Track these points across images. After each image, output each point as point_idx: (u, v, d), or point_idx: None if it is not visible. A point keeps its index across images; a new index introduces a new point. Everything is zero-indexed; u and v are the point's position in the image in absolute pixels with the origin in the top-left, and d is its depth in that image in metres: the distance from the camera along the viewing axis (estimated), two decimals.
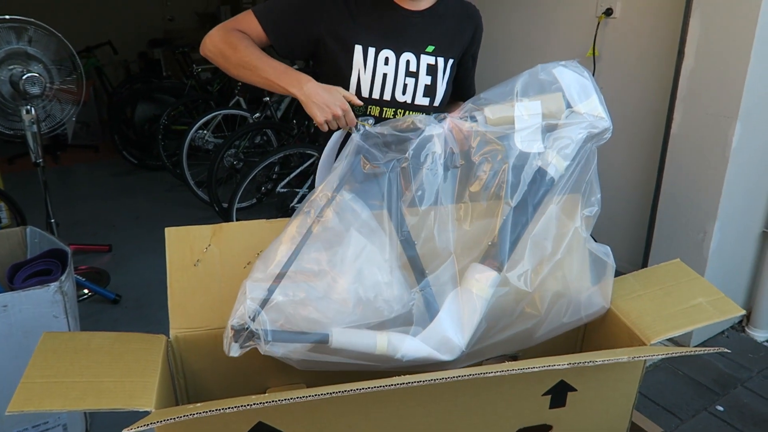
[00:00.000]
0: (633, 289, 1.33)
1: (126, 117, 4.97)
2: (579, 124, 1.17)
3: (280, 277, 1.08)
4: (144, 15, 6.59)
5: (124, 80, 5.87)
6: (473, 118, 1.18)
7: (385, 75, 1.40)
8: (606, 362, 1.07)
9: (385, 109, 1.43)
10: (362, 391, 0.93)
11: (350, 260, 1.10)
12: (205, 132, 4.17)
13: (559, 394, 1.19)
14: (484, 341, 1.18)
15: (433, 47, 1.42)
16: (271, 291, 1.07)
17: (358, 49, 1.38)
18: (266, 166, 3.42)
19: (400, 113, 1.44)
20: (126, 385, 1.05)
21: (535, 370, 1.04)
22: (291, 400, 0.94)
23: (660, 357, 1.15)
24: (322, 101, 1.27)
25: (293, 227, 1.14)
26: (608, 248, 1.24)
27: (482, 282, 1.13)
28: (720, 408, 2.11)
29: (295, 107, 4.56)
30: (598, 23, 2.76)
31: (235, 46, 1.33)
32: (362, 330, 1.07)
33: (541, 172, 1.17)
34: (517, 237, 1.16)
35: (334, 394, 0.94)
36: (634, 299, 1.30)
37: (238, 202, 3.29)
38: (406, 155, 1.16)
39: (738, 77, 2.05)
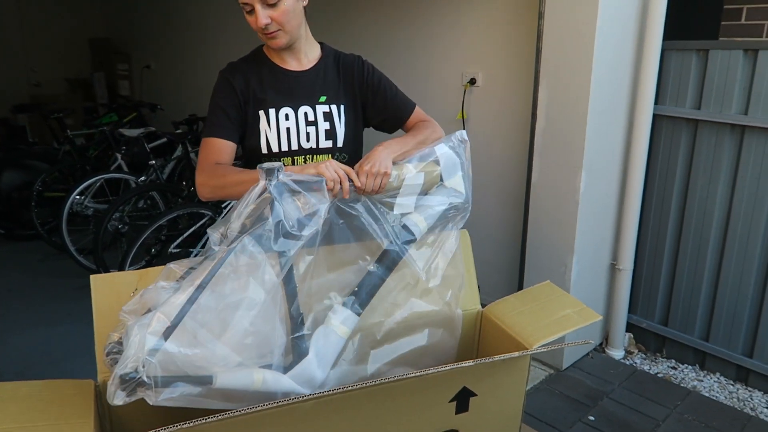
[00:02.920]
0: (514, 306, 1.57)
1: None
2: (443, 195, 1.43)
3: (173, 327, 1.12)
4: (6, 80, 6.28)
5: None
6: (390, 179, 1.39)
7: (288, 129, 1.61)
8: (503, 359, 1.27)
9: (295, 158, 1.63)
10: (280, 406, 1.07)
11: (241, 310, 1.18)
12: (83, 197, 4.04)
13: (462, 399, 1.37)
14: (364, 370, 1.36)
15: (325, 97, 1.65)
16: (163, 339, 1.09)
17: (261, 115, 1.61)
18: (155, 228, 3.40)
19: (309, 159, 1.63)
20: (63, 428, 1.08)
21: (441, 371, 1.23)
22: (233, 417, 1.04)
23: (542, 350, 1.36)
24: (323, 168, 1.33)
25: (197, 273, 1.18)
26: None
27: (343, 324, 1.29)
28: (591, 418, 2.41)
29: (180, 169, 4.57)
30: (465, 91, 3.16)
31: (220, 177, 1.48)
32: (242, 369, 1.16)
33: (406, 228, 1.40)
34: (375, 286, 1.35)
35: (247, 414, 1.06)
36: (516, 315, 1.53)
37: (128, 266, 3.22)
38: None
39: (579, 134, 2.47)
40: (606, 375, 2.72)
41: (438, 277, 1.44)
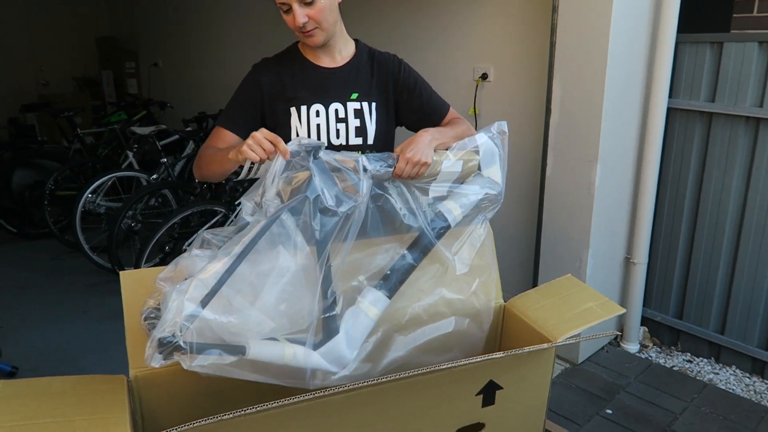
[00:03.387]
0: (536, 300, 1.57)
1: (2, 185, 4.68)
2: (479, 185, 1.45)
3: (211, 294, 1.15)
4: (14, 80, 6.30)
5: None
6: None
7: (318, 125, 1.62)
8: (531, 350, 1.28)
9: None
10: (308, 399, 1.09)
11: (276, 278, 1.20)
12: (96, 196, 4.06)
13: (489, 392, 1.38)
14: (389, 354, 1.37)
15: (357, 94, 1.65)
16: (201, 306, 1.13)
17: (293, 111, 1.62)
18: (168, 227, 3.42)
19: None
20: (98, 422, 1.09)
21: (469, 363, 1.25)
22: (259, 412, 1.06)
23: (569, 342, 1.38)
24: (249, 142, 1.30)
25: (234, 243, 1.20)
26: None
27: (373, 305, 1.31)
28: (609, 411, 2.42)
29: (191, 167, 4.59)
30: (477, 86, 3.16)
31: (202, 157, 1.59)
32: (274, 343, 1.18)
33: (440, 216, 1.41)
34: (406, 272, 1.36)
35: (280, 407, 1.08)
36: (538, 309, 1.53)
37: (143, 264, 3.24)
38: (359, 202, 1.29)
39: (594, 128, 2.47)
40: (622, 369, 2.73)
41: (465, 266, 1.44)
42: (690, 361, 2.81)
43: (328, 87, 1.64)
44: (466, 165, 1.44)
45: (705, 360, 2.81)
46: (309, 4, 1.49)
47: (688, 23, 2.58)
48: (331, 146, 1.63)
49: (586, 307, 1.53)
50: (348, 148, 1.64)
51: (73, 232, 3.79)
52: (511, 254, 3.18)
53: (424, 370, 1.21)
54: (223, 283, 1.15)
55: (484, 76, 3.13)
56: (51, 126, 5.65)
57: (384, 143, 1.70)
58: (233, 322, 1.14)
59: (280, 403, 1.08)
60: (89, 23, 6.75)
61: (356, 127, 1.64)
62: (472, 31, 3.16)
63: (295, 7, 1.48)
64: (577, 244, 2.64)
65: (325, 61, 1.66)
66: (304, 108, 1.61)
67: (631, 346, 2.90)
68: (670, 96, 2.63)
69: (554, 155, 2.65)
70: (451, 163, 1.41)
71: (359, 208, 1.27)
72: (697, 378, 2.67)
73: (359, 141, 1.65)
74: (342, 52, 1.66)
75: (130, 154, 4.29)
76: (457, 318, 1.45)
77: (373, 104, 1.66)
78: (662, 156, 2.71)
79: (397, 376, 1.20)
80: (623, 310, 1.53)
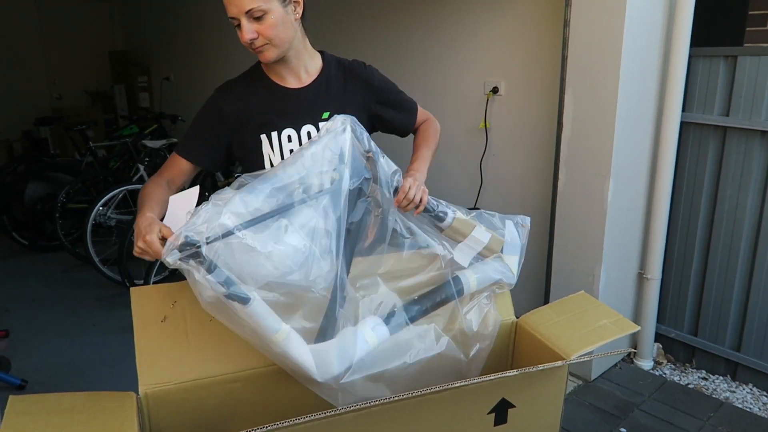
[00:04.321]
0: (549, 316, 1.55)
1: (15, 197, 4.72)
2: (498, 267, 1.50)
3: (251, 222, 1.19)
4: (28, 93, 6.38)
5: (8, 160, 5.58)
6: (444, 213, 1.44)
7: (291, 150, 1.55)
8: (544, 368, 1.26)
9: None
10: (319, 418, 1.10)
11: (305, 237, 1.25)
12: (107, 209, 4.08)
13: (501, 411, 1.36)
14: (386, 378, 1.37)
15: (328, 113, 1.58)
16: (237, 229, 1.16)
17: (263, 139, 1.55)
18: None
19: None
20: None
21: (481, 381, 1.23)
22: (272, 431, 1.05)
23: (583, 359, 1.36)
24: (137, 232, 1.27)
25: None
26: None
27: (374, 333, 1.33)
28: (623, 429, 2.37)
29: (201, 180, 4.60)
30: (487, 100, 3.15)
31: (145, 190, 1.47)
32: (273, 312, 1.21)
33: (456, 280, 1.44)
34: (414, 318, 1.39)
35: (290, 426, 1.08)
36: (551, 325, 1.51)
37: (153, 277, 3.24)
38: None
39: (607, 142, 2.45)
40: (635, 386, 2.68)
41: (472, 328, 1.45)
42: (705, 379, 2.76)
43: (298, 109, 1.57)
44: (493, 241, 1.48)
45: (721, 378, 2.76)
46: (258, 19, 1.41)
47: (701, 37, 2.56)
48: None
49: (599, 324, 1.50)
50: None
51: (84, 245, 3.81)
52: (522, 269, 3.14)
53: (436, 389, 1.20)
54: (259, 222, 1.19)
55: (495, 90, 3.12)
56: (64, 139, 5.70)
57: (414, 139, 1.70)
58: (251, 265, 1.17)
59: (290, 422, 1.07)
60: (102, 38, 6.83)
61: None
62: (483, 44, 3.16)
63: (243, 22, 1.41)
64: (590, 259, 2.61)
65: (291, 82, 1.57)
66: (274, 134, 1.54)
67: (645, 363, 2.86)
68: (683, 110, 2.61)
69: (566, 169, 2.63)
70: (481, 231, 1.46)
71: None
72: (713, 396, 2.62)
73: None
74: (308, 69, 1.58)
75: (141, 167, 4.31)
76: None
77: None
78: (676, 170, 2.69)
79: (408, 395, 1.18)
80: (637, 328, 1.51)
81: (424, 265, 1.44)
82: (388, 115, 1.68)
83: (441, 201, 1.47)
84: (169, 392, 1.28)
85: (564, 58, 2.54)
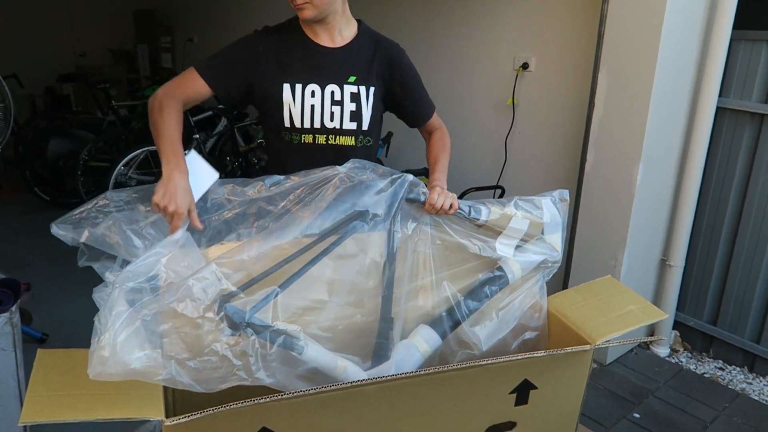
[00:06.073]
0: (575, 300, 1.53)
1: (37, 153, 4.75)
2: (539, 248, 1.46)
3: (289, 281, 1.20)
4: (52, 49, 6.37)
5: (31, 115, 5.61)
6: (478, 211, 1.41)
7: (312, 106, 1.58)
8: (569, 351, 1.25)
9: (317, 135, 1.61)
10: (341, 388, 1.09)
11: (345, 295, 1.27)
12: (128, 169, 4.09)
13: (523, 391, 1.34)
14: None
15: (355, 77, 1.61)
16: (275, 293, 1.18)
17: (286, 88, 1.57)
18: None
19: (332, 138, 1.62)
20: (133, 396, 1.09)
21: (506, 361, 1.22)
22: (296, 397, 1.05)
23: (609, 345, 1.36)
24: (169, 193, 1.27)
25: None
26: None
27: (427, 343, 1.34)
28: (637, 415, 2.37)
29: (222, 144, 4.60)
30: (517, 76, 3.08)
31: (160, 110, 1.45)
32: (327, 351, 1.22)
33: (500, 271, 1.43)
34: (463, 317, 1.39)
35: (332, 391, 1.08)
36: (577, 309, 1.49)
37: None
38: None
39: (639, 124, 2.39)
40: (651, 372, 2.67)
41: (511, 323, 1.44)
42: (722, 369, 2.74)
43: (325, 67, 1.59)
44: (532, 226, 1.45)
45: (738, 368, 2.73)
46: None
47: (744, 20, 2.47)
48: (324, 129, 1.60)
49: (626, 310, 1.48)
50: (342, 132, 1.61)
51: None
52: None
53: (461, 366, 1.19)
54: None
55: (525, 66, 3.05)
56: (86, 97, 5.71)
57: (377, 130, 1.68)
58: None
59: (314, 390, 1.07)
60: None
61: (351, 111, 1.60)
62: (515, 18, 3.08)
63: None
64: (613, 243, 2.57)
65: (325, 40, 1.61)
66: (299, 86, 1.57)
67: (662, 350, 2.84)
68: (720, 95, 2.53)
69: (595, 151, 2.58)
70: (518, 220, 1.43)
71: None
72: (729, 386, 2.60)
73: (353, 125, 1.62)
74: (343, 32, 1.61)
75: None
76: None
77: (371, 89, 1.62)
78: (707, 156, 2.62)
79: (433, 371, 1.17)
80: (666, 315, 1.48)
81: (466, 263, 1.43)
82: (405, 99, 1.70)
83: (474, 202, 1.44)
84: None
85: (600, 36, 2.47)
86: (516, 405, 1.36)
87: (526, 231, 1.45)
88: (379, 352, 1.32)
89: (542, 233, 1.47)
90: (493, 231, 1.44)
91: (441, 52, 3.45)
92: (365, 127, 1.63)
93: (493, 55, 3.21)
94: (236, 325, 1.12)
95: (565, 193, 1.49)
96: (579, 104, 2.80)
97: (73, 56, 6.62)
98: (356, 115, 1.61)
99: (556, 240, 1.48)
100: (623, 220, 2.52)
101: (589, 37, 2.69)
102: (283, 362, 1.17)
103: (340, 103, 1.60)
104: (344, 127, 1.61)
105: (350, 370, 1.24)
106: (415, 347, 1.31)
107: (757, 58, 2.48)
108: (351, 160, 1.32)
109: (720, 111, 2.59)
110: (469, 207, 1.43)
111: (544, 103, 3.03)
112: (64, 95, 6.07)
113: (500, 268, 1.42)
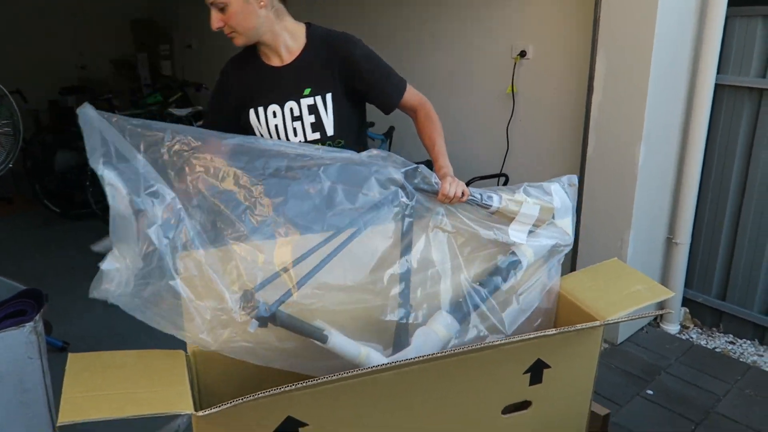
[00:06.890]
0: (583, 281, 1.57)
1: (45, 167, 4.81)
2: (550, 233, 1.50)
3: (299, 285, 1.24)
4: (54, 63, 6.42)
5: (36, 130, 5.67)
6: (489, 198, 1.45)
7: (276, 126, 1.67)
8: (580, 328, 1.29)
9: None
10: (359, 375, 1.14)
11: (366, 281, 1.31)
12: None
13: (537, 371, 1.38)
14: None
15: (310, 89, 1.65)
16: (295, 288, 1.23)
17: (251, 113, 1.68)
18: None
19: None
20: (161, 394, 1.14)
21: (518, 341, 1.27)
22: (319, 385, 1.09)
23: (619, 321, 1.39)
24: None
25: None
26: None
27: (446, 328, 1.38)
28: (650, 392, 2.40)
29: None
30: (515, 64, 3.11)
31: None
32: (349, 339, 1.27)
33: (513, 256, 1.46)
34: (479, 302, 1.43)
35: (353, 378, 1.13)
36: (586, 290, 1.53)
37: None
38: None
39: (639, 106, 2.42)
40: (662, 350, 2.70)
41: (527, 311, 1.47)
42: (732, 343, 2.77)
43: (281, 86, 1.66)
44: (543, 211, 1.48)
45: (748, 342, 2.76)
46: (221, 10, 1.55)
47: None
48: None
49: (634, 289, 1.51)
50: (307, 143, 1.66)
51: None
52: None
53: (475, 347, 1.23)
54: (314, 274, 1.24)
55: (523, 54, 3.08)
56: None
57: (348, 131, 1.70)
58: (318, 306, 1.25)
59: (332, 378, 1.11)
60: (125, 5, 6.82)
61: (312, 123, 1.65)
62: (511, 7, 3.10)
63: (212, 11, 1.56)
64: (619, 224, 2.60)
65: (274, 60, 1.67)
66: (261, 109, 1.66)
67: (672, 327, 2.87)
68: (718, 72, 2.55)
69: (596, 135, 2.60)
70: (529, 205, 1.46)
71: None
72: (740, 360, 2.63)
73: (317, 136, 1.67)
74: (289, 47, 1.66)
75: None
76: None
77: (328, 95, 1.65)
78: (708, 134, 2.64)
79: (449, 353, 1.21)
80: (672, 294, 1.52)
81: (480, 250, 1.47)
82: (369, 91, 1.70)
83: (484, 190, 1.48)
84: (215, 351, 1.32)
85: (596, 19, 2.49)
86: (530, 384, 1.40)
87: (538, 216, 1.48)
88: (399, 339, 1.36)
89: (553, 218, 1.50)
90: (505, 217, 1.48)
91: (438, 44, 3.48)
92: (330, 133, 1.67)
93: (490, 45, 3.24)
94: (264, 319, 1.17)
95: (574, 178, 1.53)
96: (578, 89, 2.83)
97: (75, 69, 6.67)
98: (317, 126, 1.66)
99: (566, 224, 1.51)
100: (627, 201, 2.55)
101: (585, 21, 2.72)
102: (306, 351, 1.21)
103: (300, 117, 1.66)
104: (308, 139, 1.67)
105: (373, 356, 1.29)
106: (434, 333, 1.35)
107: (753, 33, 2.49)
108: (369, 150, 1.37)
109: (719, 88, 2.61)
110: (481, 194, 1.45)
111: (544, 90, 3.06)
112: (68, 108, 6.12)
113: (513, 254, 1.46)
